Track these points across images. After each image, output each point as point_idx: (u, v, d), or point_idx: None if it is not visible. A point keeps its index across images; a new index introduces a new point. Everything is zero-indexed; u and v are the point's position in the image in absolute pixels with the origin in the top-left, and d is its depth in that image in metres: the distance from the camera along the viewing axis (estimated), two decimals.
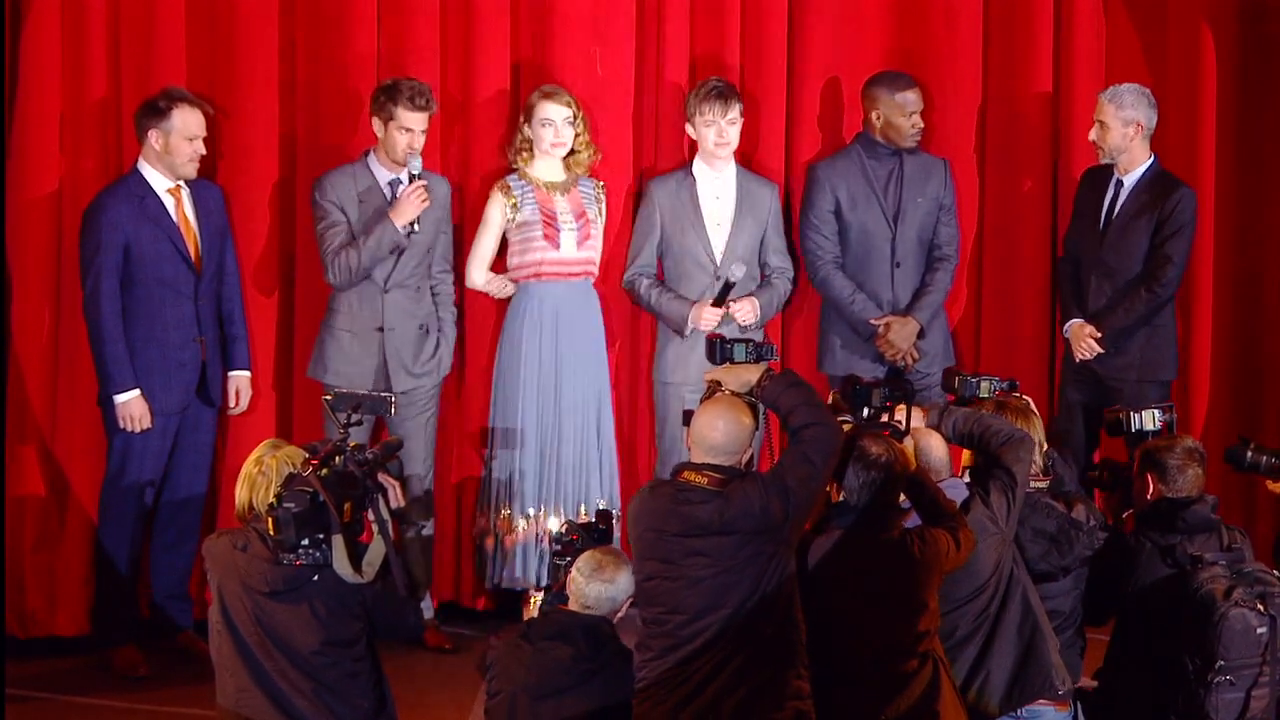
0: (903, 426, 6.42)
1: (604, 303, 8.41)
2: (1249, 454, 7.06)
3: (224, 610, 5.99)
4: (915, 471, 6.23)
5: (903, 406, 6.47)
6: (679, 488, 5.91)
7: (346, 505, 5.86)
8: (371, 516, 5.93)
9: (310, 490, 5.80)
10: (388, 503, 5.96)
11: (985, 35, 8.85)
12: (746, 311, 8.24)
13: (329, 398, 6.25)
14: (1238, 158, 8.93)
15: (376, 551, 5.94)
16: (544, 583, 7.80)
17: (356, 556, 5.90)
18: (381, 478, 5.99)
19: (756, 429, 6.06)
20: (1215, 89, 8.81)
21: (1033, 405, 6.89)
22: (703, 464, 5.93)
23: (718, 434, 5.94)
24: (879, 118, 8.49)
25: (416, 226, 8.01)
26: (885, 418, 6.43)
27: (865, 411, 6.38)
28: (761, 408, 6.09)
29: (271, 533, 5.82)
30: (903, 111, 8.45)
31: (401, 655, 7.96)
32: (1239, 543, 6.72)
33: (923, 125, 8.48)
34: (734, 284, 8.14)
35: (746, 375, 6.11)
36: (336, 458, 5.92)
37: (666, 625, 5.89)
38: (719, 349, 6.35)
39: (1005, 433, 6.48)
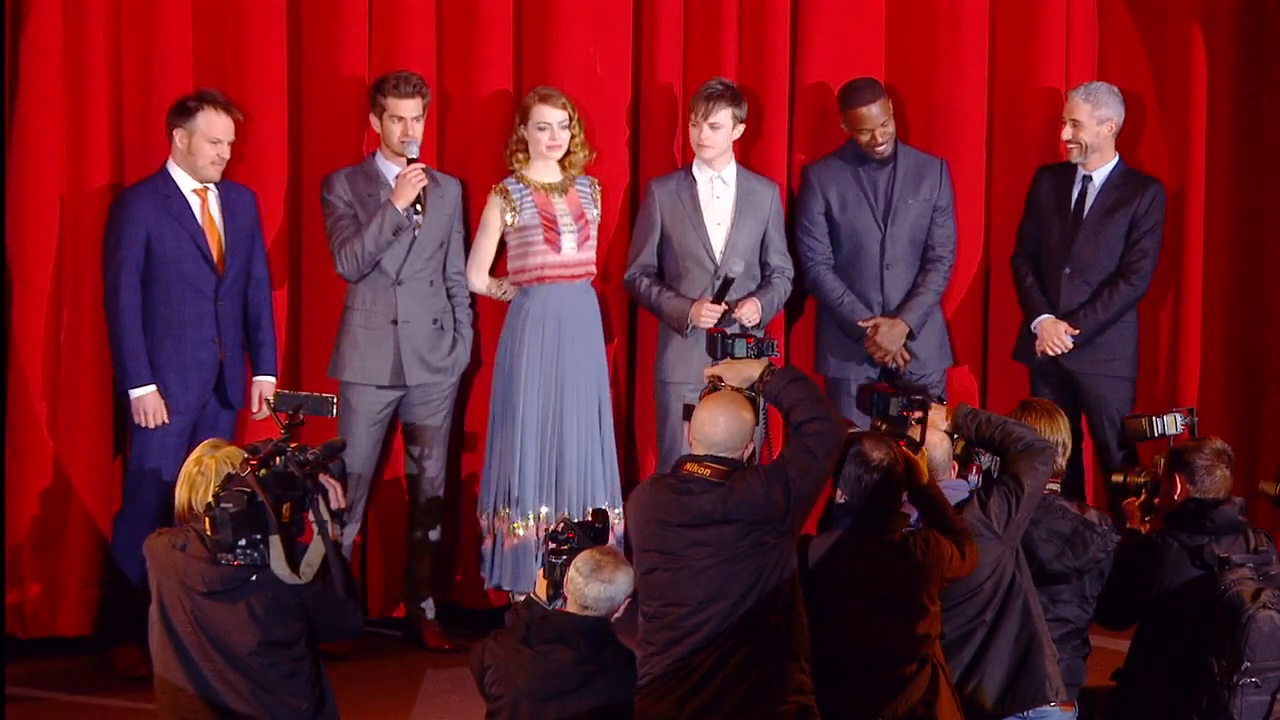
0: (919, 438, 6.37)
1: (603, 302, 8.40)
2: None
3: (162, 609, 6.00)
4: (928, 484, 6.20)
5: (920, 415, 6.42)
6: (681, 479, 5.96)
7: (285, 506, 5.85)
8: (311, 517, 5.91)
9: (248, 491, 5.79)
10: (328, 503, 5.92)
11: (990, 33, 8.78)
12: (750, 312, 8.19)
13: (268, 399, 6.25)
14: (1234, 157, 8.86)
15: (315, 552, 5.91)
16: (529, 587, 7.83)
17: (295, 557, 5.89)
18: (323, 478, 5.94)
19: (757, 424, 6.07)
20: (1212, 88, 8.74)
21: (1056, 407, 6.83)
22: (705, 456, 5.95)
23: (719, 429, 5.97)
24: (845, 128, 8.45)
25: (419, 209, 8.02)
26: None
27: (888, 418, 6.35)
28: (762, 403, 6.09)
29: (209, 533, 5.82)
30: (857, 127, 8.38)
31: (401, 656, 8.01)
32: (1265, 545, 6.69)
33: (889, 135, 8.37)
34: (733, 280, 8.10)
35: (748, 371, 6.13)
36: (276, 458, 5.91)
37: (668, 617, 5.91)
38: (720, 344, 6.37)
39: (1025, 440, 6.41)
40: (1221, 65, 8.76)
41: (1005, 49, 8.78)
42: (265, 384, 8.10)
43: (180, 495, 6.08)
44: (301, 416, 6.17)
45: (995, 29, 8.77)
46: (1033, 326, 8.45)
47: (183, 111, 7.86)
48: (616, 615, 6.14)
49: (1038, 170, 8.61)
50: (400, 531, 8.40)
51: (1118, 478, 7.15)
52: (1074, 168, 8.46)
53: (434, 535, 8.31)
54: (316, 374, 8.29)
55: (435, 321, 8.19)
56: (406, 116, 8.03)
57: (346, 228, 8.08)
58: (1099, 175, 8.45)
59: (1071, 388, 8.48)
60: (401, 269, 8.11)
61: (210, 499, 5.86)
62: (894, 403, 6.37)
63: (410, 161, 8.00)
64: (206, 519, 5.81)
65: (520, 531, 8.16)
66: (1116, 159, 8.47)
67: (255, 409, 8.11)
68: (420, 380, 8.14)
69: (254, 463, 5.88)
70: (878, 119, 8.33)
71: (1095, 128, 8.36)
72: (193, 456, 6.10)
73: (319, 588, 5.94)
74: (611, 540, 7.58)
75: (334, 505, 5.96)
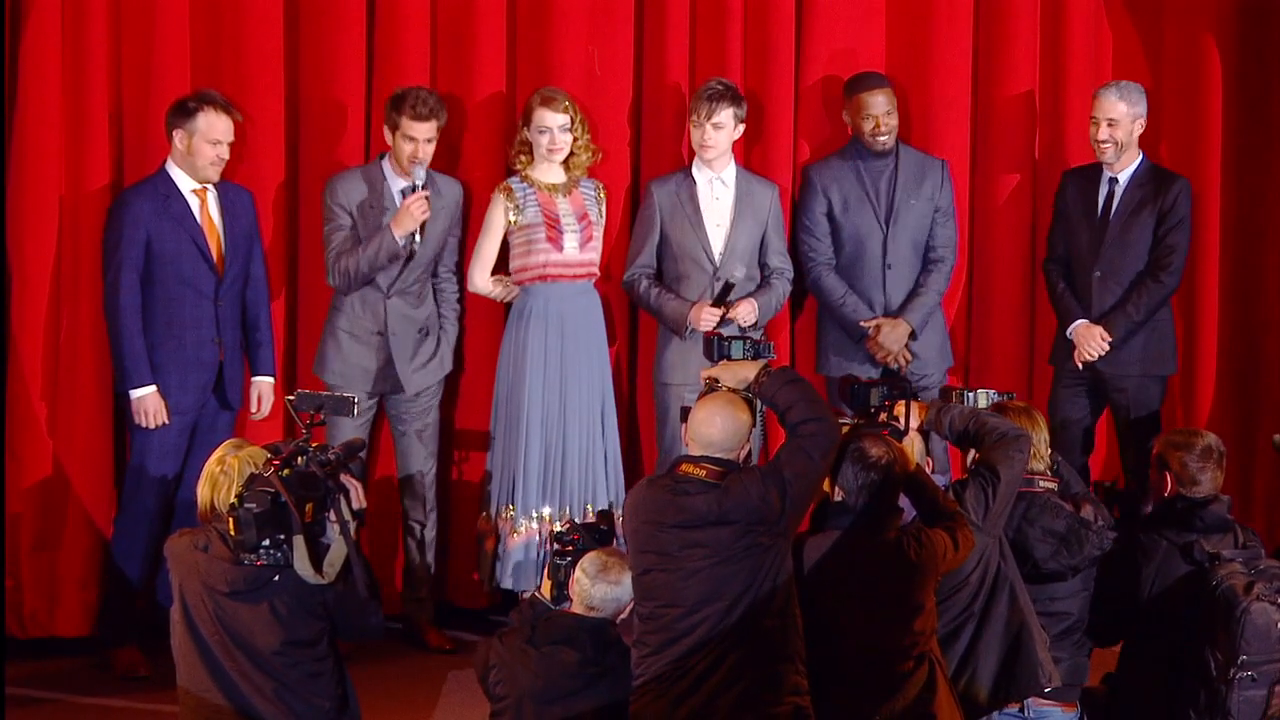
0: (901, 425, 6.41)
1: (605, 303, 8.39)
2: None
3: (185, 610, 6.00)
4: (915, 470, 6.21)
5: (902, 405, 6.45)
6: (677, 479, 5.96)
7: (308, 506, 5.85)
8: (333, 517, 5.91)
9: (272, 491, 5.80)
10: (349, 503, 5.93)
11: (986, 35, 8.79)
12: (746, 312, 8.20)
13: (291, 399, 6.25)
14: (1239, 155, 8.85)
15: (338, 552, 5.92)
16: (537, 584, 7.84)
17: (318, 557, 5.89)
18: (344, 478, 5.96)
19: (754, 425, 6.09)
20: (1218, 87, 8.74)
21: (1033, 408, 6.88)
22: (701, 457, 5.95)
23: (715, 429, 5.98)
24: (849, 119, 8.45)
25: (418, 238, 8.02)
26: (884, 416, 6.42)
27: (868, 410, 6.38)
28: (759, 405, 6.10)
29: (232, 533, 5.81)
30: (862, 114, 8.39)
31: (401, 656, 8.01)
32: (1253, 541, 6.72)
33: (892, 127, 8.39)
34: (733, 285, 8.11)
35: (744, 372, 6.13)
36: (299, 458, 5.91)
37: (663, 619, 5.91)
38: (716, 346, 6.38)
39: (1000, 430, 6.44)
40: (1226, 63, 8.77)
41: (985, 49, 8.79)
42: (264, 384, 8.10)
43: (203, 494, 6.08)
44: (323, 417, 6.17)
45: (979, 29, 8.79)
46: (1068, 333, 8.40)
47: (182, 112, 7.85)
48: (622, 616, 6.16)
49: (1064, 174, 8.57)
50: (395, 531, 8.40)
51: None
52: (1099, 170, 8.40)
53: (429, 534, 8.31)
54: (314, 374, 8.29)
55: (421, 330, 8.21)
56: (419, 138, 7.99)
57: (344, 240, 8.07)
58: (1124, 175, 8.38)
59: (1099, 390, 8.46)
60: (393, 285, 8.12)
61: (234, 499, 5.86)
62: (874, 393, 6.42)
63: (414, 188, 7.99)
64: (230, 519, 5.81)
65: (524, 531, 8.17)
66: (1141, 157, 8.42)
67: (254, 409, 8.10)
68: (409, 390, 8.15)
69: (277, 463, 5.89)
70: (883, 107, 8.36)
71: (1130, 125, 8.31)
72: (215, 456, 6.10)
73: (341, 588, 5.95)
74: (617, 541, 7.63)
75: (355, 505, 5.97)
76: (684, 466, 5.97)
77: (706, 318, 8.13)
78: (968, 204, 8.79)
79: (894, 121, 8.41)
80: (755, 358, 6.34)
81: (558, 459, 8.21)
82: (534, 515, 8.19)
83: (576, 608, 6.13)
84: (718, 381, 6.18)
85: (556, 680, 6.02)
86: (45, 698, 7.68)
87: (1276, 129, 8.83)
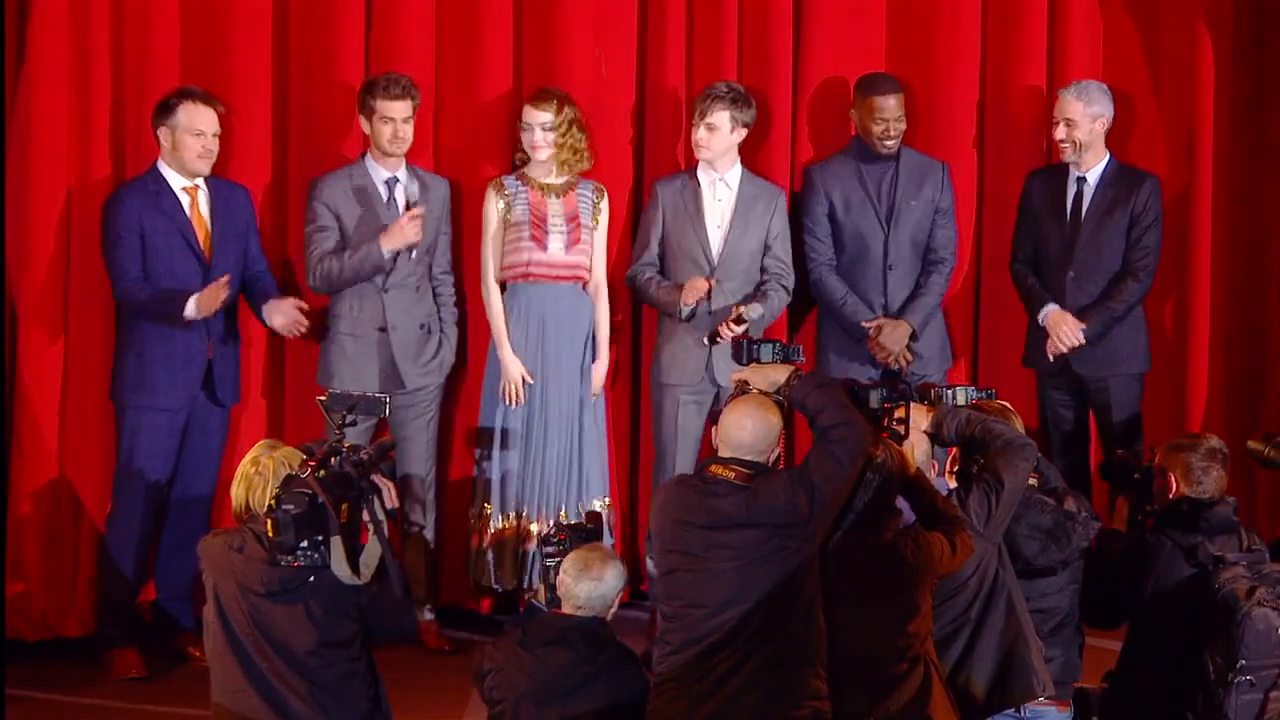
0: (902, 429, 6.43)
1: (607, 305, 8.38)
2: None
3: (220, 610, 5.98)
4: (914, 475, 6.22)
5: (903, 408, 6.47)
6: (706, 480, 5.95)
7: (344, 506, 5.85)
8: (367, 517, 5.92)
9: (309, 492, 5.79)
10: (383, 504, 5.94)
11: (993, 34, 8.84)
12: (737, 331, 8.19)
13: (323, 399, 6.23)
14: (1236, 155, 8.89)
15: (372, 553, 5.93)
16: (534, 584, 7.84)
17: (354, 557, 5.90)
18: (376, 478, 5.97)
19: (783, 429, 6.09)
20: (1212, 86, 8.78)
21: (1010, 407, 6.86)
22: (730, 459, 5.96)
23: (746, 432, 5.98)
24: (857, 119, 8.50)
25: (409, 255, 8.05)
26: (888, 420, 6.44)
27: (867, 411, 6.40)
28: (787, 407, 6.13)
29: (270, 535, 5.80)
30: (873, 116, 8.42)
31: (402, 657, 7.98)
32: (1258, 544, 6.71)
33: (901, 130, 8.43)
34: (745, 321, 8.11)
35: (774, 375, 6.12)
36: (333, 459, 5.91)
37: (687, 619, 5.90)
38: (746, 349, 6.34)
39: (1005, 438, 6.42)
40: (1222, 62, 8.81)
41: (995, 49, 8.83)
42: (278, 303, 7.97)
43: (237, 495, 6.07)
44: (355, 417, 6.16)
45: (986, 29, 8.83)
46: (1040, 318, 8.44)
47: (164, 110, 7.85)
48: (612, 611, 6.16)
49: (1028, 176, 8.62)
50: (394, 533, 8.38)
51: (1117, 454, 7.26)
52: (1066, 170, 8.47)
53: (428, 534, 8.30)
54: (308, 375, 8.25)
55: (422, 326, 8.21)
56: (397, 118, 8.02)
57: (326, 240, 8.06)
58: (1093, 175, 8.46)
59: (1081, 390, 8.53)
60: (388, 278, 8.12)
61: (271, 500, 5.85)
62: (874, 395, 6.44)
63: (409, 205, 8.02)
64: (268, 520, 5.80)
65: (502, 528, 8.19)
66: (1108, 157, 8.48)
67: (276, 325, 7.97)
68: (409, 385, 8.15)
69: (312, 464, 5.88)
70: (894, 111, 8.40)
71: (1089, 125, 8.36)
72: (249, 457, 6.10)
73: (377, 589, 5.96)
74: (606, 540, 7.65)
75: (389, 505, 5.98)
76: (713, 468, 5.97)
77: (695, 288, 8.12)
78: (975, 205, 8.84)
79: (903, 126, 8.45)
80: (785, 361, 6.34)
81: (537, 459, 8.22)
82: (510, 514, 8.21)
83: (565, 608, 6.12)
84: (748, 384, 6.19)
85: (551, 681, 6.00)
86: (45, 698, 7.62)
87: (1275, 128, 8.89)
